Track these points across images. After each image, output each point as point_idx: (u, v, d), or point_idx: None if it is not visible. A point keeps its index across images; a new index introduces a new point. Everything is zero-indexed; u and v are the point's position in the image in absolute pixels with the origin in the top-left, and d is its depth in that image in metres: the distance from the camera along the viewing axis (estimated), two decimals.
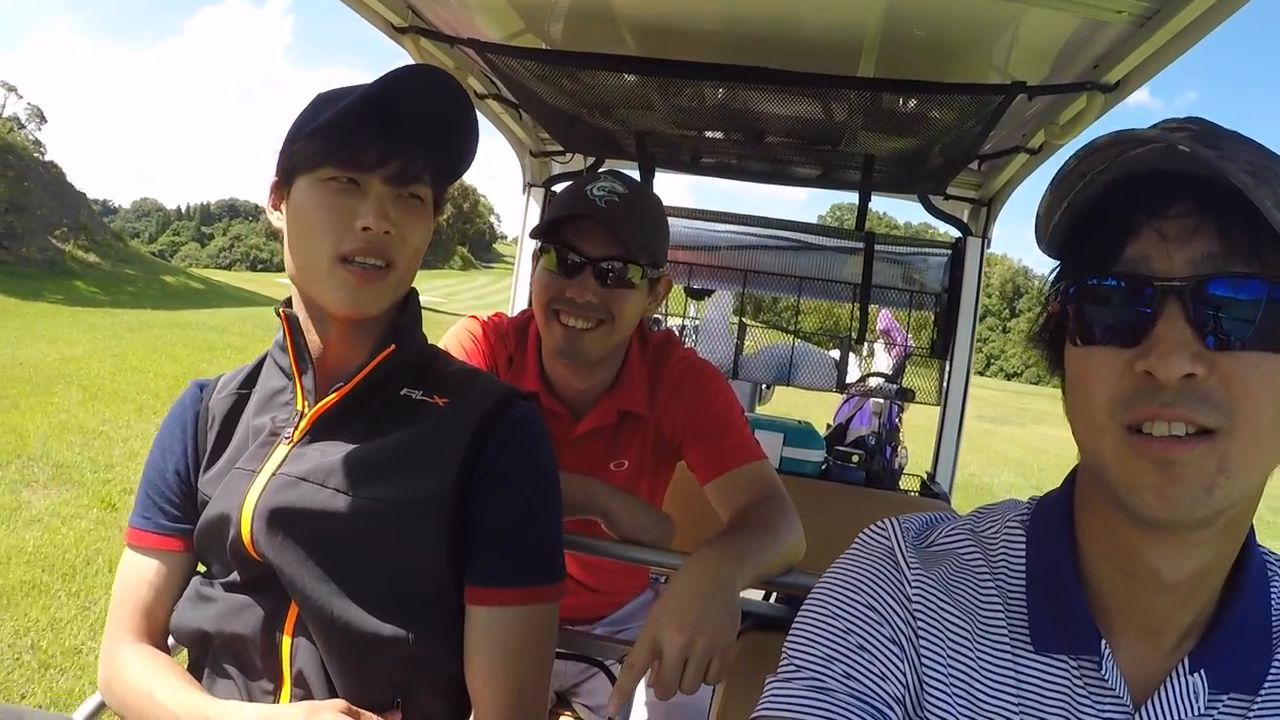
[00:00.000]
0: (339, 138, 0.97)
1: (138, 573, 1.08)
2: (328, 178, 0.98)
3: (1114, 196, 0.63)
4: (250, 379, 1.14)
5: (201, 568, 1.10)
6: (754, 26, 1.70)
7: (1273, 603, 0.71)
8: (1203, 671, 0.67)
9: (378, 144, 0.97)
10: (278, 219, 1.04)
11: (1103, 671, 0.68)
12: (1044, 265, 0.73)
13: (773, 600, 1.48)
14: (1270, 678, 0.68)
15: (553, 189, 2.80)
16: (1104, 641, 0.69)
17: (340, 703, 0.95)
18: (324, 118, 0.96)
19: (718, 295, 3.02)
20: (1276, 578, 0.72)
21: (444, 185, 1.08)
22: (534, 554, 1.04)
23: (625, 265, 1.39)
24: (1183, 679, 0.67)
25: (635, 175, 2.67)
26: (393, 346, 1.04)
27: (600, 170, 1.56)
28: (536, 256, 1.46)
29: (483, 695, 1.01)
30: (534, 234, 1.44)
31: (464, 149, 1.07)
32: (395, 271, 1.01)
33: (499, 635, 1.01)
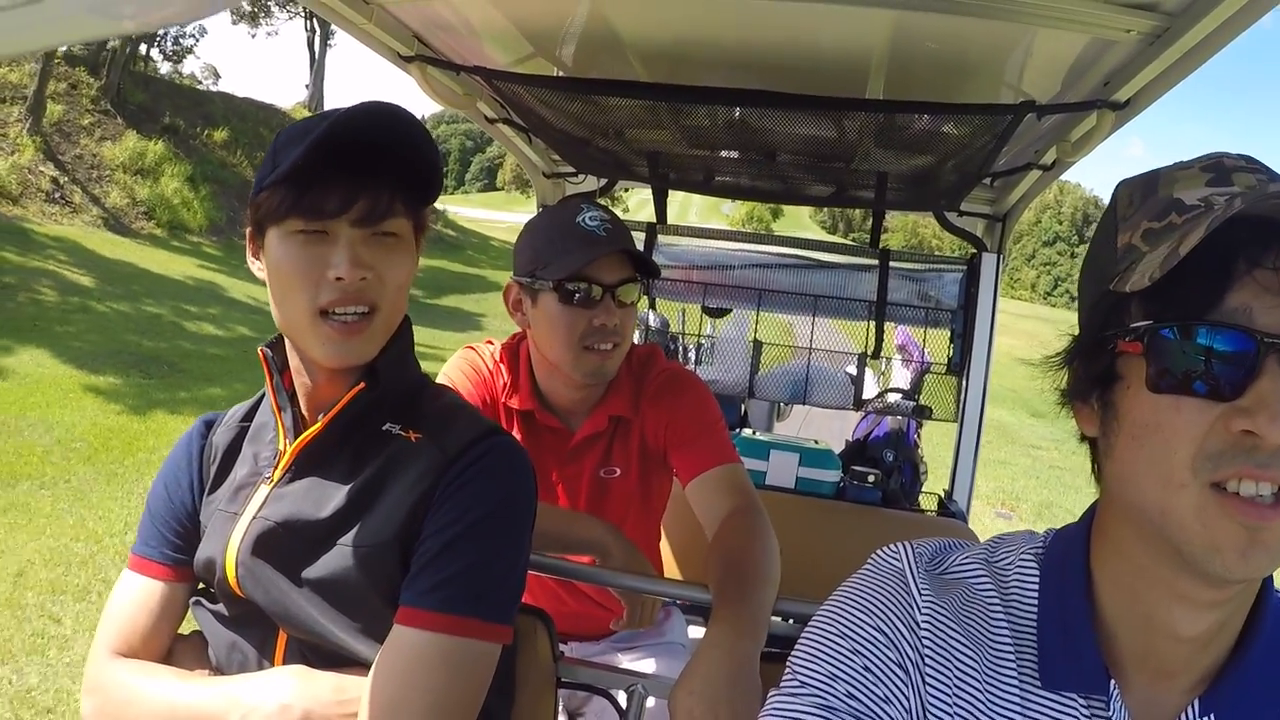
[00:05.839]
0: (299, 188, 0.94)
1: (140, 598, 1.07)
2: (295, 230, 0.96)
3: (1213, 240, 0.58)
4: (250, 413, 1.15)
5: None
6: (761, 50, 1.70)
7: None
8: (1213, 715, 0.67)
9: (339, 188, 0.94)
10: (259, 269, 1.03)
11: (1110, 712, 0.67)
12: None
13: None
14: None
15: None
16: (1113, 682, 0.68)
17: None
18: (280, 168, 0.94)
19: (735, 316, 3.01)
20: None
21: (420, 211, 1.05)
22: (456, 581, 0.95)
23: (633, 284, 1.50)
24: None
25: (648, 195, 2.70)
26: (362, 385, 1.02)
27: (569, 197, 1.66)
28: (532, 295, 1.50)
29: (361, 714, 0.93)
30: (549, 275, 1.45)
31: (429, 175, 1.03)
32: (380, 314, 1.00)
33: (396, 655, 0.93)
